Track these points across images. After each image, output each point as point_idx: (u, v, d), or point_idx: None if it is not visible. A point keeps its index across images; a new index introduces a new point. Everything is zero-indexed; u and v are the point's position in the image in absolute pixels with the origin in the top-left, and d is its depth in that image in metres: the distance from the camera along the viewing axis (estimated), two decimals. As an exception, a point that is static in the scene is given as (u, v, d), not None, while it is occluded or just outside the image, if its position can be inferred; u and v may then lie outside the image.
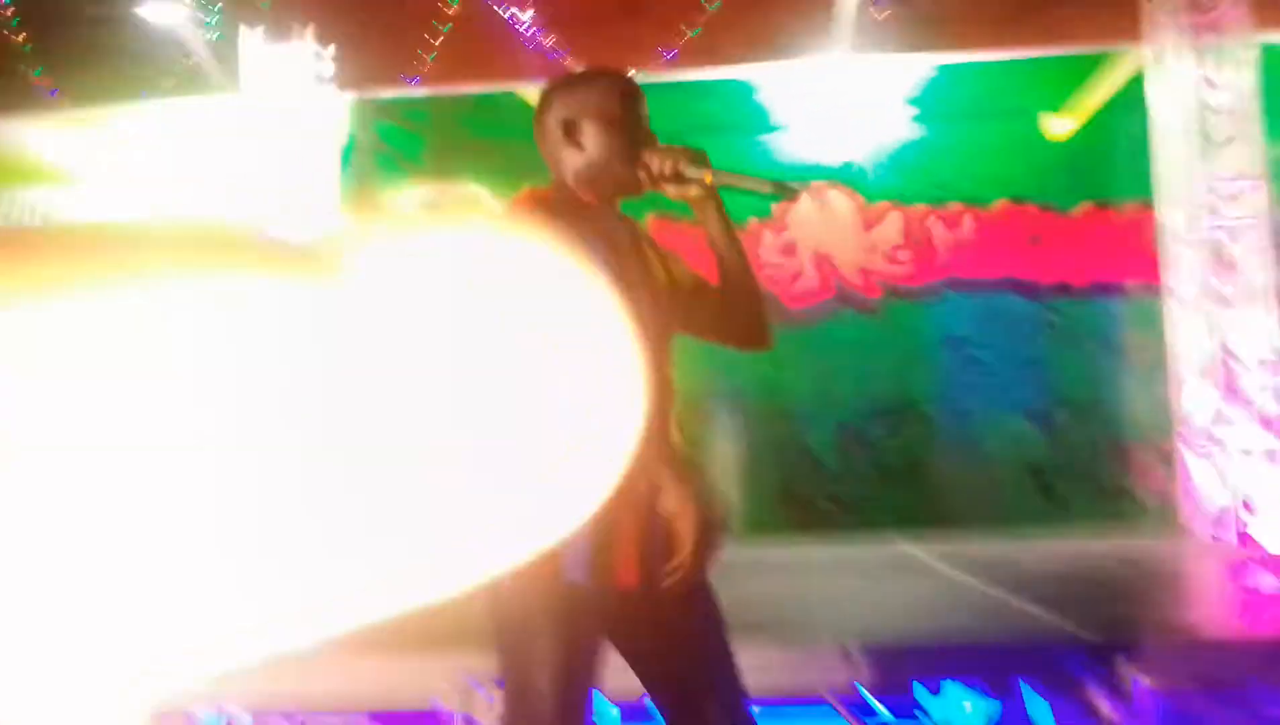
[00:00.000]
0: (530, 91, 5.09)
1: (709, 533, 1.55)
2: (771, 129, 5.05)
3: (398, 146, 5.15)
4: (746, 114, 5.00)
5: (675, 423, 1.59)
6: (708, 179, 1.55)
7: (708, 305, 1.64)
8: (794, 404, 4.86)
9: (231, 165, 4.90)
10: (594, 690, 1.59)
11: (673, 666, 1.59)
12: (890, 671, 2.32)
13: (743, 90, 5.03)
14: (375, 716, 2.47)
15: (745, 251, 1.62)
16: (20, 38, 5.67)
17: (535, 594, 1.57)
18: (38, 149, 5.33)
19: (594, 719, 1.64)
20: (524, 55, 6.12)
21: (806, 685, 2.43)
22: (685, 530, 1.53)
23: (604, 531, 1.53)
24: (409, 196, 5.14)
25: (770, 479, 4.81)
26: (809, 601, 3.02)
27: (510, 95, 5.13)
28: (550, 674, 1.56)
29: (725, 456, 4.82)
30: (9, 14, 5.70)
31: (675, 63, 5.70)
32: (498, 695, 2.11)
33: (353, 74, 5.05)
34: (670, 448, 1.55)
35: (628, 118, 1.59)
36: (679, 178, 1.55)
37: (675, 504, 1.54)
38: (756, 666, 2.22)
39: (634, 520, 1.55)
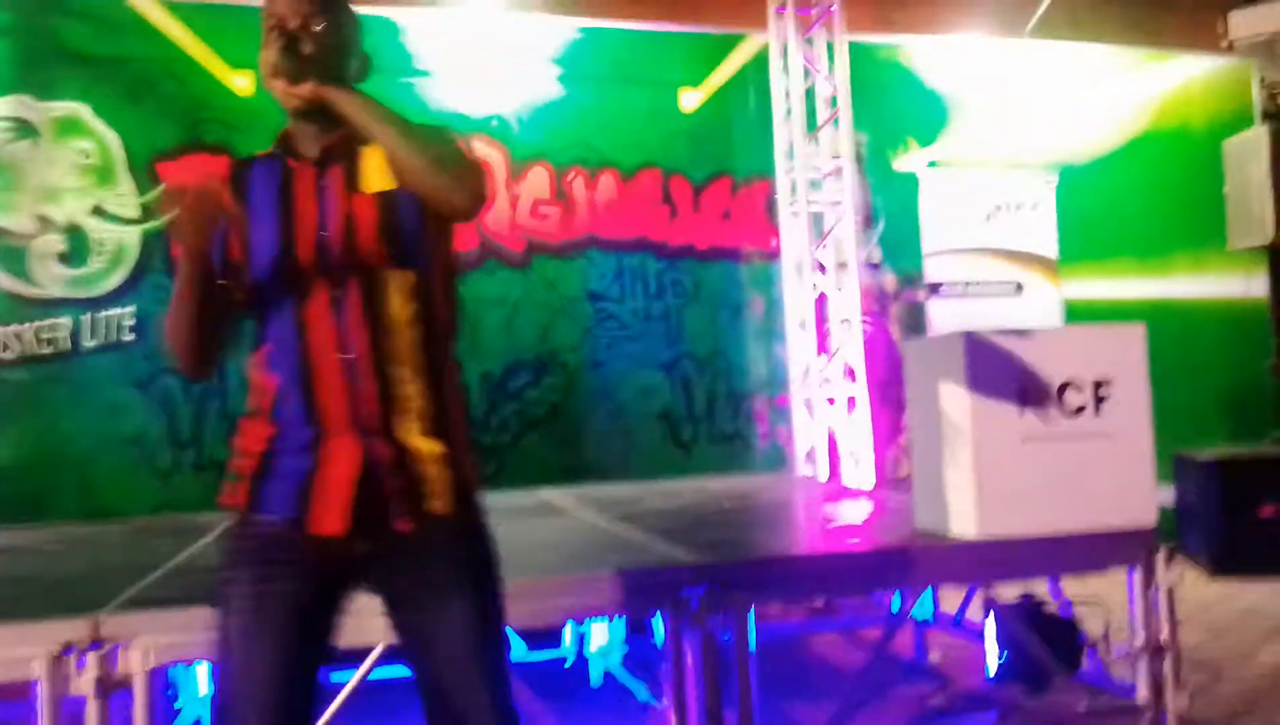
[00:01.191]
0: (140, 2, 4.55)
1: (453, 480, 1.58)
2: (416, 73, 4.94)
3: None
4: (389, 55, 4.85)
5: (431, 364, 1.58)
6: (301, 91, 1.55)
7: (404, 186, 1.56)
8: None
9: None
10: (318, 636, 1.56)
11: (427, 622, 1.57)
12: (533, 606, 2.42)
13: (386, 29, 4.88)
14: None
15: (393, 122, 1.53)
16: None
17: (233, 533, 1.59)
18: None
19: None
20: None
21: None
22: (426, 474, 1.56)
23: (318, 470, 1.56)
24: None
25: None
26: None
27: (116, 4, 4.56)
28: (241, 620, 1.53)
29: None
30: None
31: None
32: (90, 660, 1.92)
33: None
34: (420, 389, 1.57)
35: (264, 21, 1.60)
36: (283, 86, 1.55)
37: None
38: (378, 613, 2.22)
39: (350, 463, 1.55)
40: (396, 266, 1.58)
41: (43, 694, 1.88)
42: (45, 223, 4.39)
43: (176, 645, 1.97)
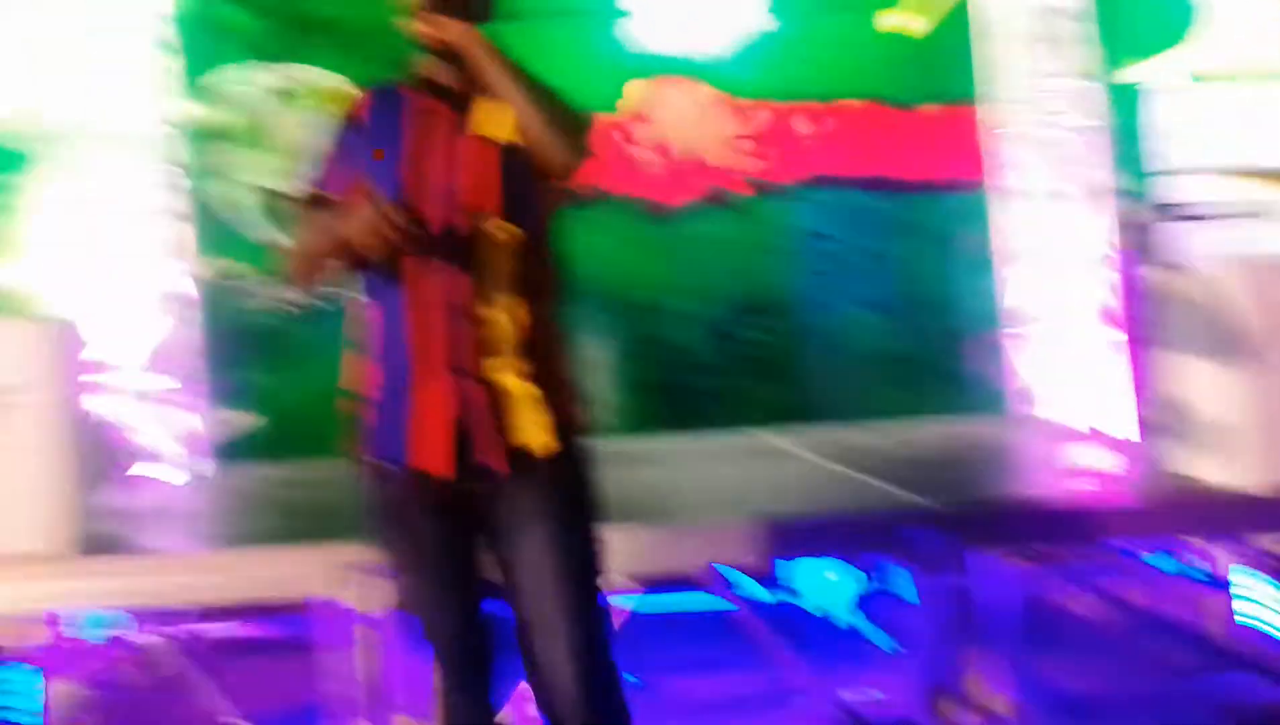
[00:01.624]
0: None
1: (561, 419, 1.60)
2: (622, 14, 4.96)
3: (237, 26, 4.79)
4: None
5: (535, 310, 1.61)
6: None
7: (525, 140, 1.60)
8: (662, 299, 4.93)
9: (56, 52, 4.44)
10: (467, 572, 1.62)
11: (513, 558, 1.60)
12: (761, 549, 2.45)
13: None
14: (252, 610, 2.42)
15: (521, 78, 1.58)
16: None
17: (366, 478, 1.67)
18: None
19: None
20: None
21: (683, 565, 2.53)
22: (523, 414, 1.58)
23: (415, 412, 1.61)
24: (251, 81, 4.81)
25: (639, 374, 4.88)
26: (681, 488, 3.12)
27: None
28: (398, 557, 1.65)
29: (593, 352, 4.86)
30: None
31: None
32: (372, 581, 2.12)
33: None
34: (520, 333, 1.59)
35: None
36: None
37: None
38: (632, 550, 2.31)
39: (446, 404, 1.59)
40: (503, 215, 1.60)
41: (322, 609, 2.09)
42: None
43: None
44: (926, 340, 5.10)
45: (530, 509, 1.60)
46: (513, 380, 1.60)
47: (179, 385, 4.38)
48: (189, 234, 4.52)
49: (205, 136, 4.69)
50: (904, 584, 2.58)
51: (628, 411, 4.80)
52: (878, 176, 5.19)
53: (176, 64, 4.54)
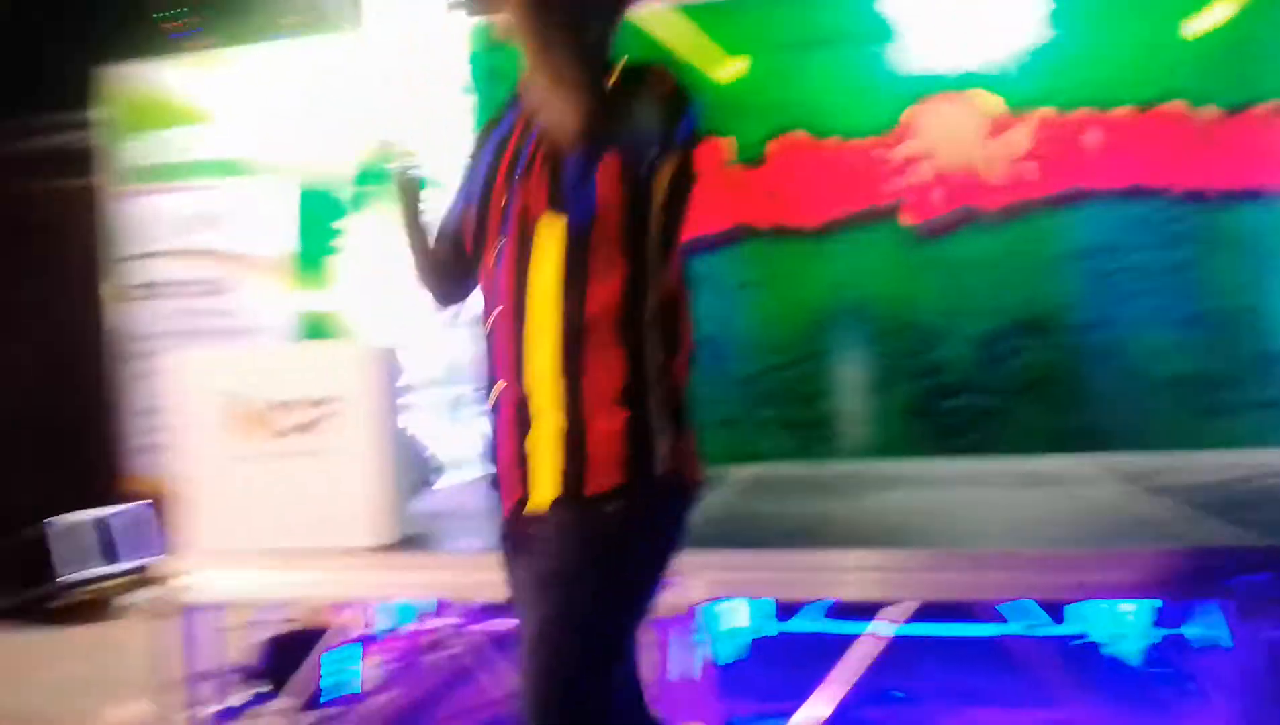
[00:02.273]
0: (645, 12, 5.03)
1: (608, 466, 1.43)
2: (890, 38, 4.88)
3: (516, 71, 5.16)
4: (863, 22, 4.85)
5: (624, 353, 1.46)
6: None
7: None
8: (925, 318, 4.79)
9: (361, 98, 5.00)
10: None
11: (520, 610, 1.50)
12: (1052, 581, 2.32)
13: (860, -2, 4.86)
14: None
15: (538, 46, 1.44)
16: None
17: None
18: (176, 90, 5.54)
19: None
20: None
21: (965, 593, 2.44)
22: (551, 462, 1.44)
23: (496, 449, 1.57)
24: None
25: (902, 395, 4.77)
26: (953, 512, 3.02)
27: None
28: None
29: (853, 372, 4.81)
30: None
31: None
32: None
33: (474, -1, 5.04)
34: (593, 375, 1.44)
35: None
36: None
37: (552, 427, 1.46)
38: (903, 570, 2.27)
39: (508, 431, 1.52)
40: (554, 212, 1.50)
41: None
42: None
43: (730, 582, 2.21)
44: (1236, 362, 4.61)
45: (540, 561, 1.47)
46: (550, 409, 1.48)
47: (474, 399, 4.76)
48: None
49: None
50: (1213, 627, 2.35)
51: (897, 434, 4.70)
52: (1159, 185, 4.79)
53: (473, 106, 4.97)
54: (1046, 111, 4.82)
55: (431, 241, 1.84)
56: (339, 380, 2.70)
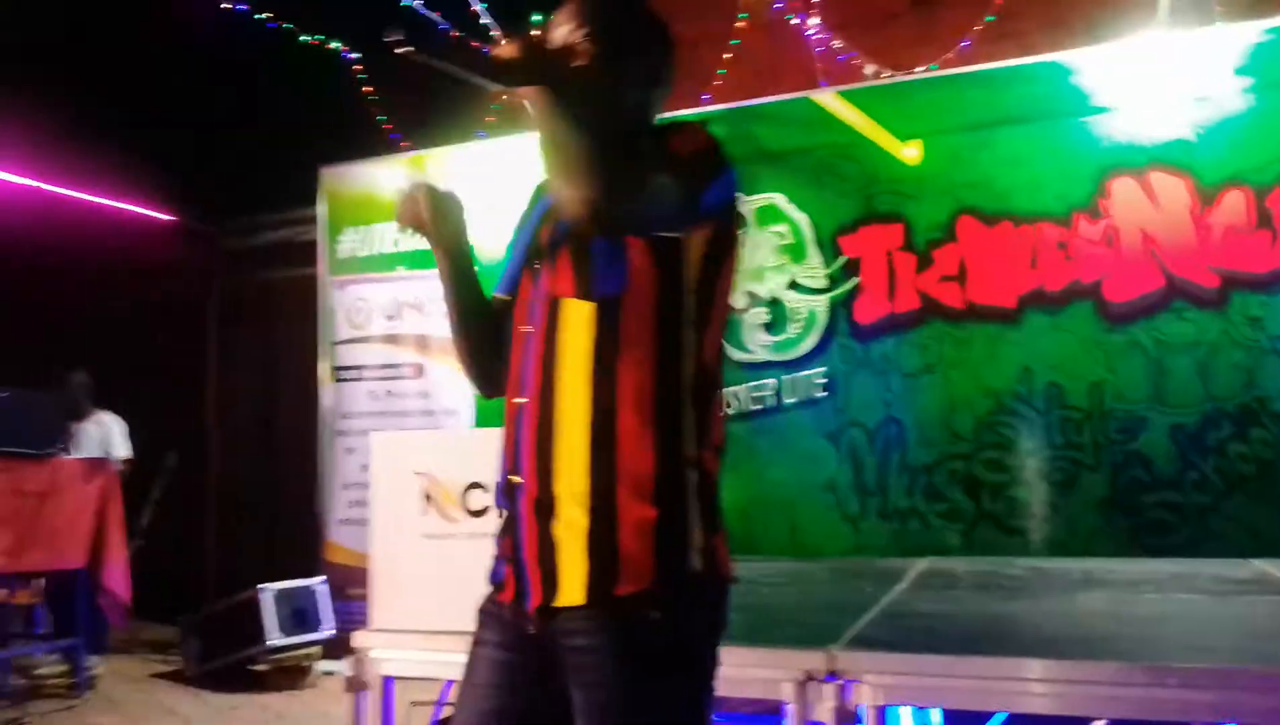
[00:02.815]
0: (823, 97, 5.11)
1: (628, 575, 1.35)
2: (1090, 111, 4.73)
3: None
4: (1061, 98, 4.73)
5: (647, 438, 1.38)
6: None
7: None
8: (1124, 405, 4.52)
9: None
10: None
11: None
12: (1265, 703, 2.12)
13: (1054, 73, 4.76)
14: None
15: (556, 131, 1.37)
16: (368, 90, 6.47)
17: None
18: (387, 187, 6.02)
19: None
20: (814, 61, 6.14)
21: (1166, 712, 2.27)
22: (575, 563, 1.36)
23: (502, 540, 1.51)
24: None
25: (1097, 488, 4.50)
26: (1154, 620, 2.82)
27: (804, 102, 5.17)
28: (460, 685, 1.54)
29: (1042, 462, 4.58)
30: (359, 70, 6.51)
31: (971, 52, 5.52)
32: (828, 691, 2.17)
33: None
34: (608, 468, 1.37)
35: None
36: None
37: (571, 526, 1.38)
38: (1094, 684, 2.12)
39: (512, 525, 1.46)
40: (583, 297, 1.42)
41: (792, 716, 2.18)
42: (753, 298, 5.14)
43: (900, 688, 2.14)
44: None
45: (572, 679, 1.40)
46: (571, 506, 1.40)
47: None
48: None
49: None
50: None
51: (1090, 531, 4.44)
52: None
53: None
54: (1254, 184, 4.54)
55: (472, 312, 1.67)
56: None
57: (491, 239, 5.92)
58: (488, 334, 1.62)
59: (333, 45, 6.62)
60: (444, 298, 1.66)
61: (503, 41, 1.40)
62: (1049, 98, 4.72)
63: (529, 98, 1.38)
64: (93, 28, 7.04)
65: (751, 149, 5.21)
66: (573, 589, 1.39)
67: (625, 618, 1.37)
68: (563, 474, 1.41)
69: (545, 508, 1.42)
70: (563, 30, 1.54)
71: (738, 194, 1.55)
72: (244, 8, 6.29)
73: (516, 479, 1.47)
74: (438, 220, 1.62)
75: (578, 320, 1.43)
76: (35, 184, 7.30)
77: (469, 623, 2.61)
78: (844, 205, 5.03)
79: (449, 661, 2.78)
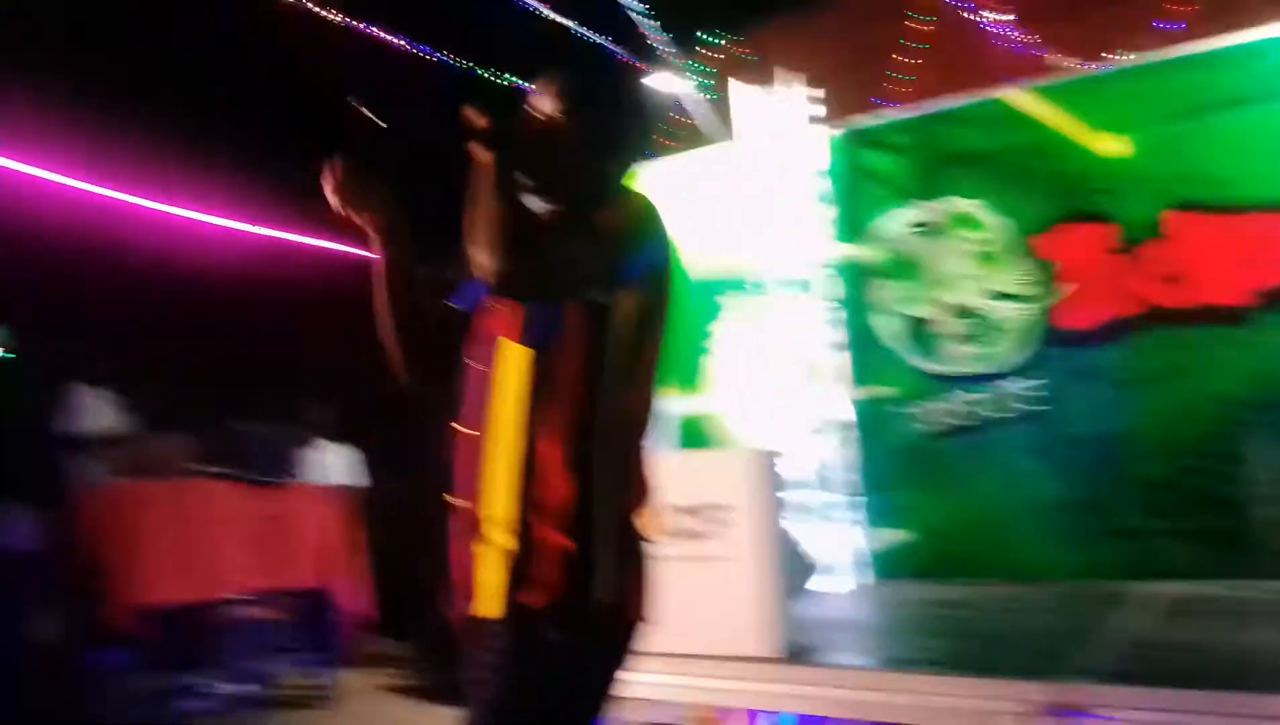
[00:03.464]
0: (1016, 95, 4.87)
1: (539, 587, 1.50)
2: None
3: (883, 171, 5.21)
4: (1272, 79, 4.32)
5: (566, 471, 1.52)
6: None
7: None
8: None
9: (732, 210, 5.29)
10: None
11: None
12: None
13: (1272, 52, 4.35)
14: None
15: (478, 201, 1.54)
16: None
17: None
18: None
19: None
20: (1004, 58, 5.89)
21: None
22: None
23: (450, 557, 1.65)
24: (898, 220, 5.17)
25: (1189, 513, 4.10)
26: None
27: (994, 102, 4.95)
28: None
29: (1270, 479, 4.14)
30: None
31: (1183, 35, 5.15)
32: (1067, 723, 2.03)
33: (836, 108, 5.22)
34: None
35: None
36: None
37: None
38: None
39: (467, 554, 1.60)
40: (522, 341, 1.57)
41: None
42: (946, 309, 4.94)
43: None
44: None
45: (481, 665, 1.59)
46: (497, 531, 1.56)
47: (842, 502, 4.75)
48: (847, 362, 4.96)
49: (861, 273, 5.13)
50: None
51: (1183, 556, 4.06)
52: None
53: (833, 211, 5.09)
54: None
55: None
56: (728, 487, 2.81)
57: (678, 253, 5.92)
58: (422, 322, 1.77)
59: (508, 79, 6.88)
60: (378, 281, 1.75)
61: (473, 111, 1.56)
62: (1263, 79, 4.31)
63: (481, 160, 1.54)
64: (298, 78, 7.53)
65: (941, 153, 5.03)
66: (489, 602, 1.56)
67: (529, 632, 1.53)
68: (492, 500, 1.58)
69: (474, 528, 1.59)
70: (546, 101, 1.70)
71: (664, 263, 1.68)
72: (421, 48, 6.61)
73: (455, 501, 1.64)
74: (374, 202, 1.74)
75: (516, 363, 1.60)
76: (275, 233, 7.97)
77: (677, 645, 2.60)
78: (1043, 207, 4.76)
79: (659, 683, 2.80)
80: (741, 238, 5.23)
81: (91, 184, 7.23)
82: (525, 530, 1.56)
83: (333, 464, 6.69)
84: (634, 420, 1.65)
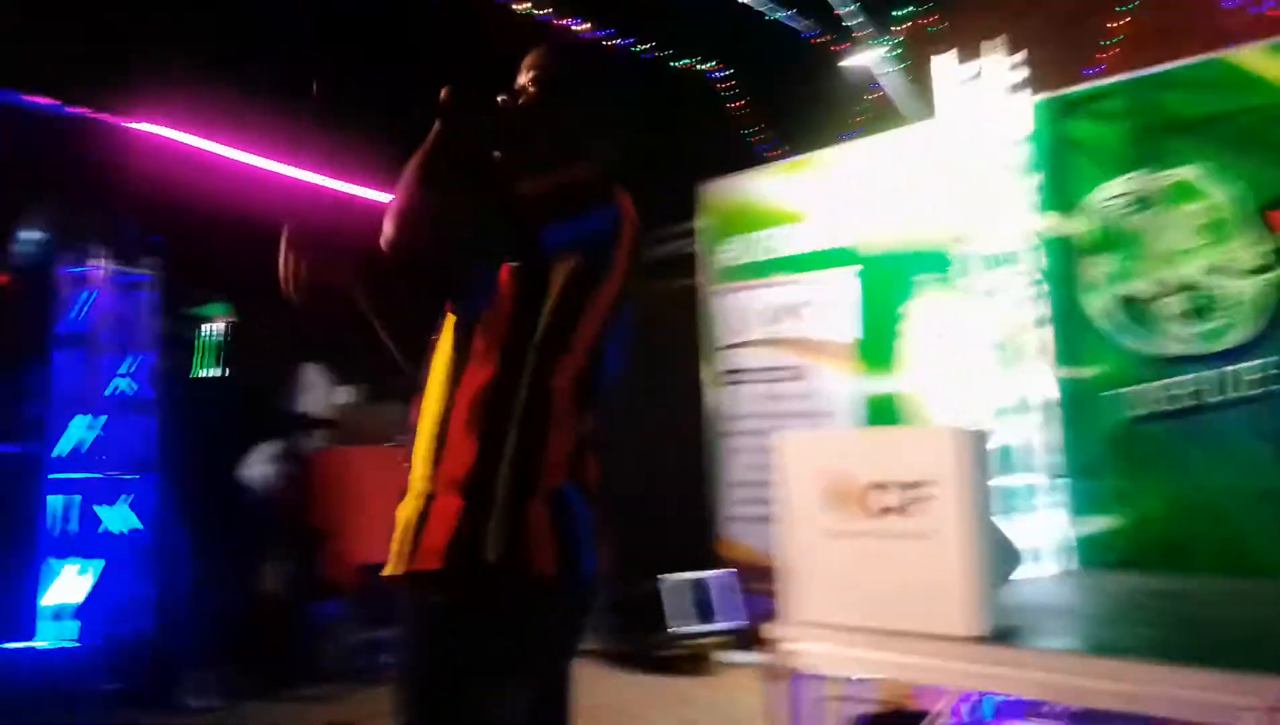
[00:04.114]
0: (1242, 55, 4.50)
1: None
2: None
3: (1093, 141, 4.93)
4: None
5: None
6: None
7: None
8: None
9: (932, 187, 5.16)
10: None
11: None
12: None
13: None
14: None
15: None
16: (742, 104, 6.71)
17: None
18: (761, 196, 6.20)
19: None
20: (1224, 16, 5.45)
21: None
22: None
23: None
24: (1110, 191, 4.89)
25: None
26: None
27: (1221, 63, 4.59)
28: None
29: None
30: (731, 85, 6.77)
31: None
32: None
33: (1039, 76, 4.99)
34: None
35: None
36: None
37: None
38: None
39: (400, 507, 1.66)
40: (452, 310, 1.63)
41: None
42: (1165, 285, 4.64)
43: None
44: None
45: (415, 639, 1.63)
46: (419, 482, 1.62)
47: (1045, 486, 4.57)
48: (1050, 341, 4.76)
49: (1069, 248, 4.89)
50: None
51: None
52: None
53: (1039, 183, 4.87)
54: None
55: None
56: (933, 464, 2.77)
57: (874, 233, 5.90)
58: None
59: (701, 66, 6.94)
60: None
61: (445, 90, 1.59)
62: None
63: (432, 131, 1.57)
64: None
65: (1159, 120, 4.71)
66: (396, 562, 1.60)
67: (420, 593, 1.58)
68: (415, 465, 1.64)
69: (403, 493, 1.66)
70: (524, 73, 1.77)
71: (609, 233, 1.68)
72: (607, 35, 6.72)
73: (403, 464, 1.71)
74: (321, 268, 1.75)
75: (447, 330, 1.67)
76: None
77: (873, 619, 2.61)
78: (1273, 174, 4.39)
79: (859, 658, 2.81)
80: (942, 213, 5.10)
81: (307, 170, 7.64)
82: (430, 489, 1.61)
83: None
84: (559, 391, 1.63)
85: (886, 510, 2.77)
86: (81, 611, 5.39)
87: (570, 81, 1.78)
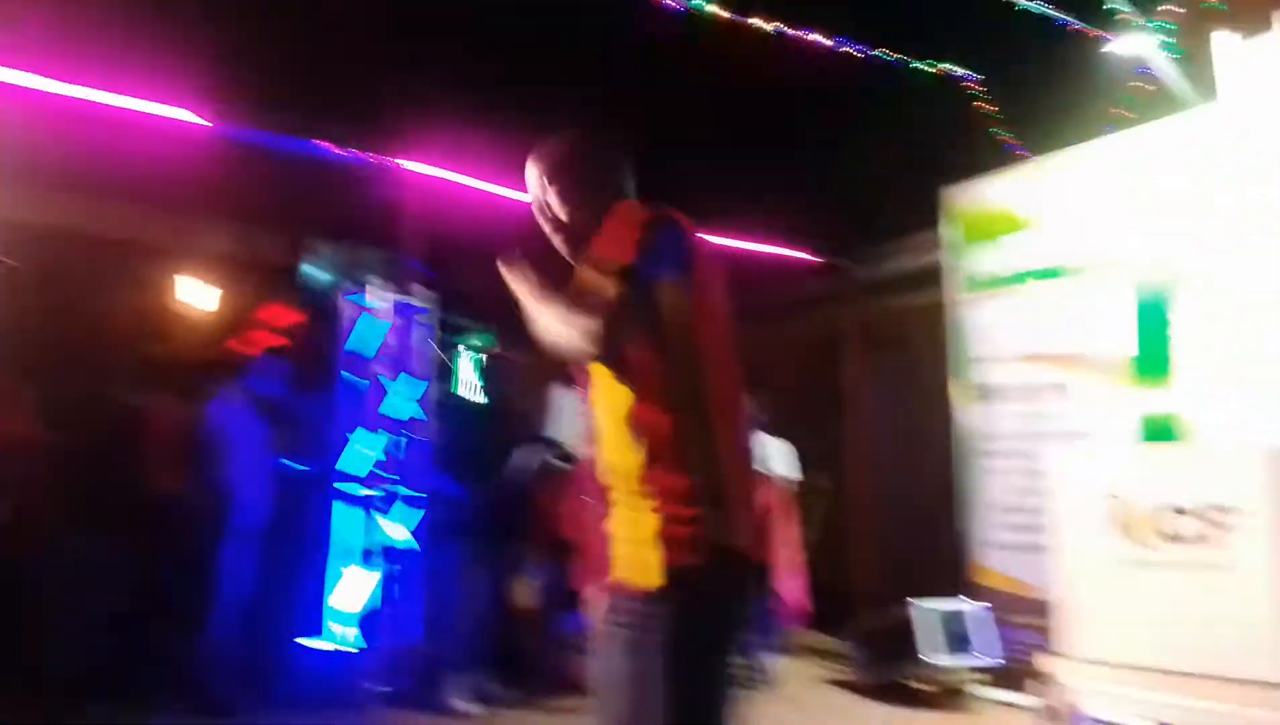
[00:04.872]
0: None
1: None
2: None
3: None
4: None
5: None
6: None
7: None
8: None
9: (1208, 180, 4.68)
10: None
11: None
12: None
13: None
14: None
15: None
16: (990, 105, 6.37)
17: None
18: (1009, 200, 5.84)
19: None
20: None
21: None
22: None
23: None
24: None
25: None
26: None
27: None
28: None
29: None
30: (978, 86, 6.44)
31: None
32: None
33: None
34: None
35: None
36: None
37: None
38: None
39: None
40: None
41: None
42: None
43: None
44: None
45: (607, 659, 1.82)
46: (622, 503, 1.83)
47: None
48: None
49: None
50: None
51: None
52: None
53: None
54: None
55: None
56: (1238, 486, 2.51)
57: (1126, 232, 5.42)
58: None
59: (944, 67, 6.65)
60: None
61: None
62: None
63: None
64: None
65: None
66: (642, 571, 1.79)
67: (646, 604, 1.77)
68: (615, 483, 1.95)
69: (599, 508, 1.95)
70: (532, 186, 2.01)
71: (682, 252, 1.84)
72: (844, 41, 6.54)
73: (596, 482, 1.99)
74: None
75: (602, 377, 1.96)
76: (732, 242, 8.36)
77: (1166, 659, 2.39)
78: None
79: (1150, 700, 2.55)
80: (1220, 211, 4.61)
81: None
82: (650, 508, 1.82)
83: (774, 457, 6.89)
84: (700, 399, 1.81)
85: (1181, 538, 2.52)
86: (361, 617, 5.82)
87: (569, 155, 2.00)
